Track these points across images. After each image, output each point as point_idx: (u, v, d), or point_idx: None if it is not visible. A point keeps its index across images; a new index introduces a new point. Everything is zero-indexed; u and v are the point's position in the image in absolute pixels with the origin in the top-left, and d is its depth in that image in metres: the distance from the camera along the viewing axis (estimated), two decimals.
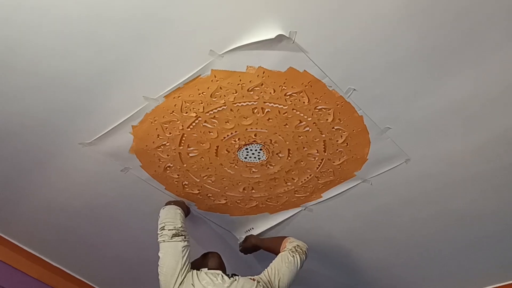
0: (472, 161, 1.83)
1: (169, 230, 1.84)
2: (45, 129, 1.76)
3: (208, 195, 2.10)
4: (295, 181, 2.02)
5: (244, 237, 2.31)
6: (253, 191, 2.08)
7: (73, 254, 2.42)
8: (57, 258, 2.46)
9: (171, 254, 1.80)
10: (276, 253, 2.05)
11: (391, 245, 2.31)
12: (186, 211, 2.07)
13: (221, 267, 1.94)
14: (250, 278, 1.85)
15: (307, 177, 1.99)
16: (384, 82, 1.57)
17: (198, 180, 2.01)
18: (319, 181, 2.01)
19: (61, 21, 1.39)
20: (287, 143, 1.83)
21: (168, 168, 1.94)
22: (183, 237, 1.84)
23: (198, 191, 2.07)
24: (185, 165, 1.93)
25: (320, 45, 1.46)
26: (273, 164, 1.95)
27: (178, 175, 1.98)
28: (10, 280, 2.29)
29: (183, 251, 1.81)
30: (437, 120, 1.70)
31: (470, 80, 1.55)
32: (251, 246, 2.24)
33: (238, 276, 1.86)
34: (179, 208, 1.97)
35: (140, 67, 1.53)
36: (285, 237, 2.11)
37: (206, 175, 2.00)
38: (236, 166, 1.95)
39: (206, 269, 1.88)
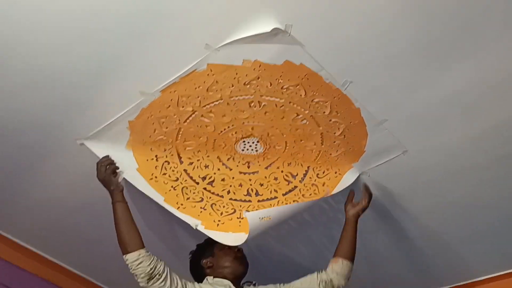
0: (471, 151, 1.83)
1: (142, 278, 1.66)
2: (42, 126, 1.76)
3: (213, 205, 1.99)
4: (296, 175, 2.01)
5: None
6: (257, 193, 2.03)
7: (72, 250, 2.43)
8: (56, 254, 2.47)
9: None
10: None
11: (390, 237, 2.31)
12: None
13: (237, 270, 1.83)
14: None
15: (305, 170, 1.99)
16: (381, 74, 1.56)
17: (198, 184, 1.97)
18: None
19: (56, 17, 1.38)
20: (284, 136, 1.83)
21: (165, 169, 1.91)
22: (157, 275, 1.67)
23: (200, 199, 1.98)
24: (182, 163, 1.92)
25: (317, 38, 1.45)
26: (270, 157, 1.95)
27: (177, 178, 1.94)
28: (10, 277, 2.31)
29: None
30: (435, 111, 1.69)
31: (467, 71, 1.54)
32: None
33: (250, 285, 1.81)
34: (140, 250, 1.69)
35: (136, 62, 1.52)
36: (342, 258, 1.87)
37: (205, 176, 1.97)
38: (233, 160, 1.95)
39: (212, 277, 1.81)
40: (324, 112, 1.70)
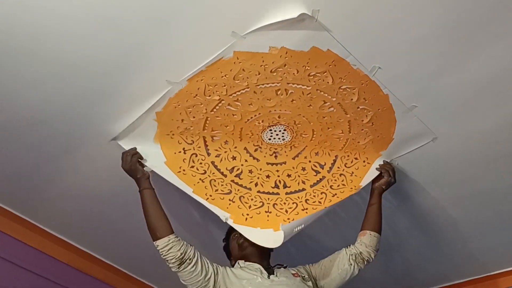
0: (501, 138, 1.79)
1: (173, 263, 1.67)
2: (69, 116, 1.78)
3: (241, 198, 1.95)
4: (324, 164, 1.99)
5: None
6: (285, 184, 2.00)
7: (101, 238, 2.46)
8: (85, 243, 2.51)
9: (192, 284, 1.70)
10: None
11: (417, 225, 2.29)
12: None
13: (263, 254, 1.83)
14: (293, 273, 1.78)
15: (333, 159, 1.98)
16: (409, 59, 1.54)
17: (226, 177, 1.95)
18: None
19: (81, 6, 1.39)
20: (311, 124, 1.82)
21: (192, 161, 1.90)
22: (188, 260, 1.67)
23: (229, 191, 1.94)
24: (209, 155, 1.92)
25: (343, 23, 1.43)
26: (297, 145, 1.94)
27: (204, 171, 1.92)
28: (40, 265, 2.35)
29: (197, 273, 1.68)
30: (465, 96, 1.66)
31: (497, 55, 1.50)
32: None
33: (280, 268, 1.81)
34: (169, 235, 1.70)
35: (162, 50, 1.53)
36: (369, 230, 1.88)
37: (232, 168, 1.96)
38: (260, 151, 1.95)
39: (243, 261, 1.81)
40: (352, 99, 1.68)
